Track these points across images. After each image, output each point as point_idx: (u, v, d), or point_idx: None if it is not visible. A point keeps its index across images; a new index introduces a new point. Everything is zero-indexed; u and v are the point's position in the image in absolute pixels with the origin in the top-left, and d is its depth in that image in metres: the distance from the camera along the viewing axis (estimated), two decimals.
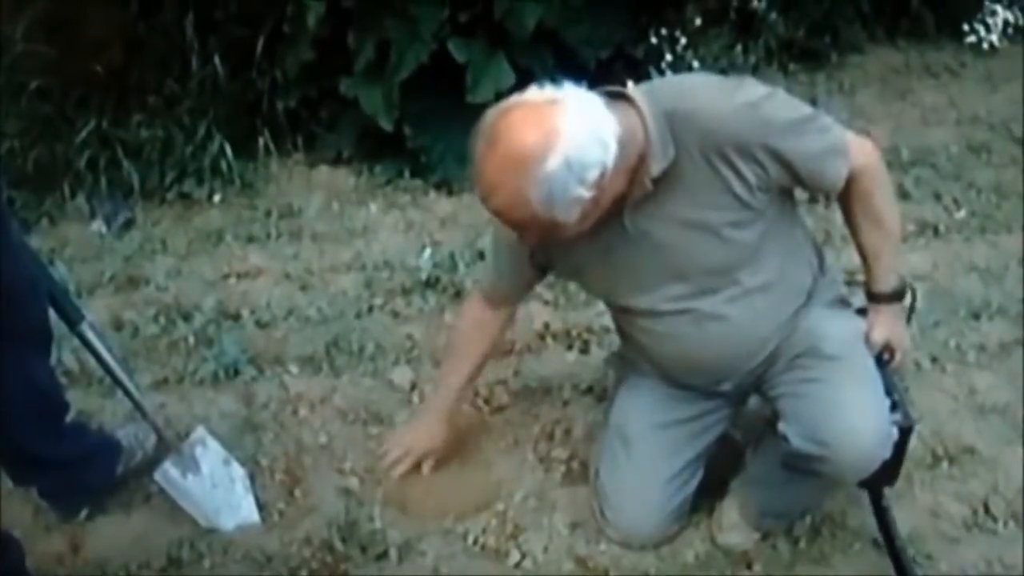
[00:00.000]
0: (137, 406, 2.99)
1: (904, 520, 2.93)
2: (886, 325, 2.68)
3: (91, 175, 4.49)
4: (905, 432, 2.63)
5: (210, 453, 3.05)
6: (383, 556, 2.90)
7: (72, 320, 2.80)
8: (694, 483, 2.89)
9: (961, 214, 4.33)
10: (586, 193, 2.24)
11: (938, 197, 4.43)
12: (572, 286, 3.74)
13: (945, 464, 3.15)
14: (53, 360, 3.02)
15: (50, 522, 2.97)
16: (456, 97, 4.35)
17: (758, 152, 2.36)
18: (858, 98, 5.31)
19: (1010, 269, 4.00)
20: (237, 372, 3.51)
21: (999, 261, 4.05)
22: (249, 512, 3.00)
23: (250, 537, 2.94)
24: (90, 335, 2.85)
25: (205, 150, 4.58)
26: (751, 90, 2.42)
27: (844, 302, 2.78)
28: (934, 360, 3.54)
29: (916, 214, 4.27)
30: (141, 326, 3.71)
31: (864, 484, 2.79)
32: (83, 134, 4.51)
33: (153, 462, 3.08)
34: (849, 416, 2.50)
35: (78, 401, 3.23)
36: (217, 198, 4.53)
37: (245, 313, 3.82)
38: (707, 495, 2.96)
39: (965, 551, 2.90)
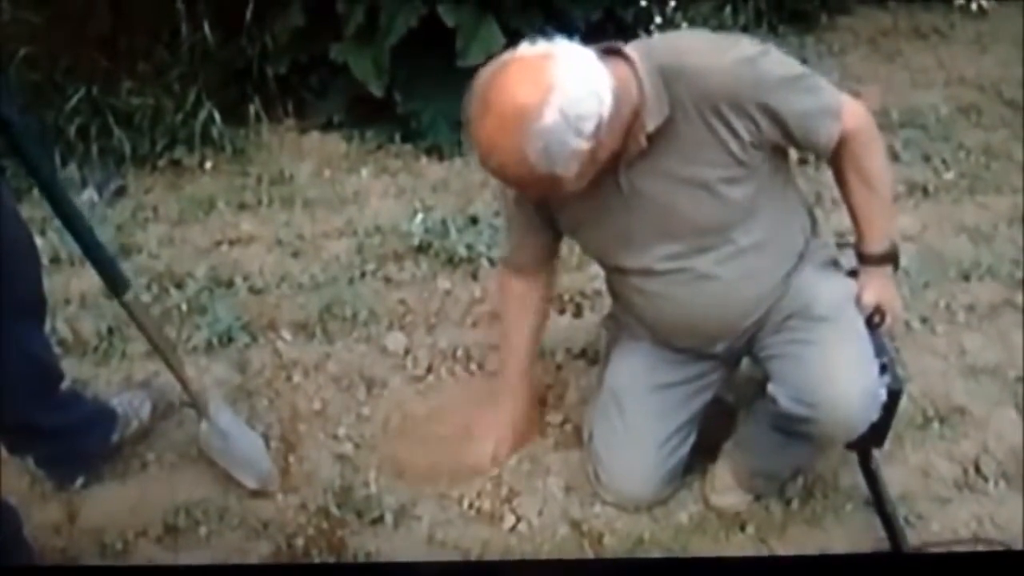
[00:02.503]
0: (178, 377, 2.96)
1: (895, 480, 2.96)
2: (877, 287, 2.69)
3: (82, 143, 4.46)
4: (894, 395, 2.64)
5: (233, 420, 3.06)
6: (379, 521, 2.92)
7: (118, 289, 2.78)
8: (687, 446, 2.91)
9: (950, 175, 4.33)
10: (584, 145, 2.24)
11: (927, 158, 4.43)
12: (564, 250, 3.74)
13: (936, 424, 3.17)
14: (47, 329, 3.03)
15: (46, 491, 2.98)
16: (446, 61, 4.33)
17: (752, 108, 2.37)
18: (847, 60, 5.30)
19: (999, 230, 4.01)
20: (231, 339, 3.51)
21: (988, 222, 4.06)
22: (271, 475, 3.02)
23: (246, 504, 2.96)
24: (135, 305, 2.84)
25: (195, 117, 4.56)
26: (746, 47, 2.43)
27: (835, 264, 2.78)
28: (924, 321, 3.56)
29: (906, 175, 4.27)
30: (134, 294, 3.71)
31: (852, 446, 2.80)
32: (73, 101, 4.49)
33: (148, 431, 3.11)
34: (837, 378, 2.51)
35: (72, 370, 3.24)
36: (208, 165, 4.52)
37: (238, 280, 3.81)
38: (700, 457, 2.98)
39: (956, 511, 2.93)
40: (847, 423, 2.57)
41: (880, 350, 2.62)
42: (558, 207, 2.65)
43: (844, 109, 2.50)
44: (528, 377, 3.10)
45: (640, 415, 2.87)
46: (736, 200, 2.51)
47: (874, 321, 2.68)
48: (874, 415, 2.56)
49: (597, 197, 2.51)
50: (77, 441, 2.96)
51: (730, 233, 2.55)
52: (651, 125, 2.38)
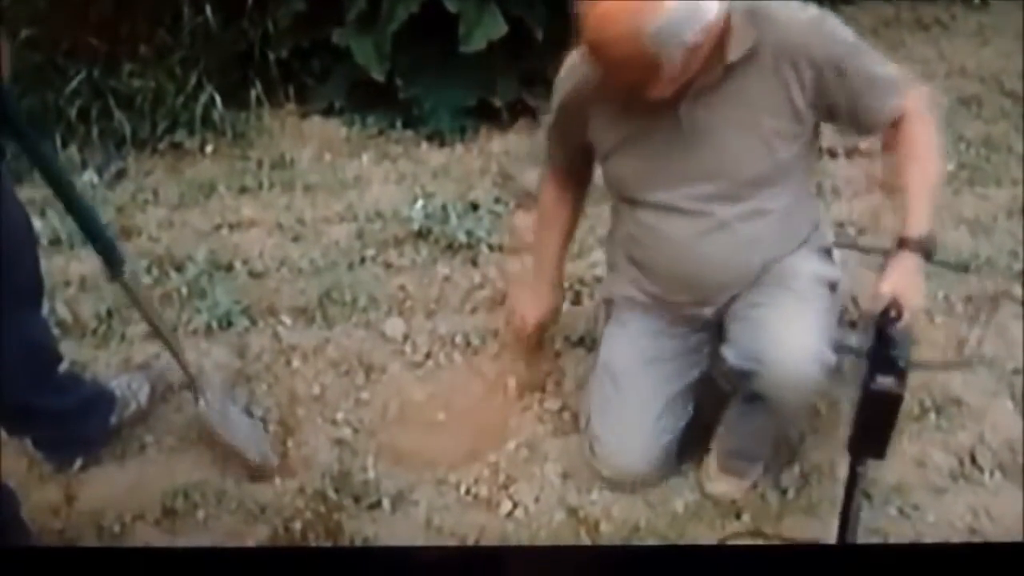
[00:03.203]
0: (173, 353, 2.98)
1: (891, 470, 2.97)
2: (899, 277, 2.52)
3: (83, 125, 4.47)
4: (894, 400, 2.48)
5: (228, 403, 3.10)
6: (376, 506, 2.93)
7: (113, 266, 2.79)
8: (682, 422, 2.94)
9: (951, 166, 4.32)
10: (693, 39, 2.28)
11: None
12: None
13: (932, 415, 3.17)
14: (46, 311, 3.03)
15: (45, 473, 2.99)
16: (449, 48, 4.34)
17: (825, 67, 2.44)
18: None
19: (999, 222, 4.01)
20: (230, 323, 3.52)
21: (988, 213, 4.06)
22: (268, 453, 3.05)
23: (244, 488, 2.96)
24: (131, 283, 2.85)
25: (196, 100, 4.57)
26: (815, 8, 2.50)
27: (828, 252, 2.81)
28: (924, 312, 3.56)
29: None
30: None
31: (852, 449, 2.73)
32: (74, 84, 4.49)
33: (146, 413, 3.12)
34: (782, 332, 2.54)
35: (71, 352, 3.25)
36: (209, 149, 4.53)
37: (238, 264, 3.82)
38: (696, 445, 2.99)
39: (952, 501, 2.94)
40: (789, 378, 2.55)
41: (891, 351, 2.48)
42: (604, 127, 2.67)
43: (904, 87, 2.56)
44: (559, 268, 3.13)
45: (634, 389, 2.89)
46: (781, 158, 2.55)
47: (889, 315, 2.49)
48: (817, 373, 2.55)
49: (651, 123, 2.56)
50: (76, 423, 2.97)
51: (761, 190, 2.59)
52: (734, 55, 2.43)
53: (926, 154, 2.59)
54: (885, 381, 2.44)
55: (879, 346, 2.50)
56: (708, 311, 2.79)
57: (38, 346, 2.82)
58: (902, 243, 2.55)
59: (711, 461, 2.96)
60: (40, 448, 2.98)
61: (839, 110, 2.54)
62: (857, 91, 2.48)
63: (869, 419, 2.49)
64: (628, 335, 2.93)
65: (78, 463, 2.99)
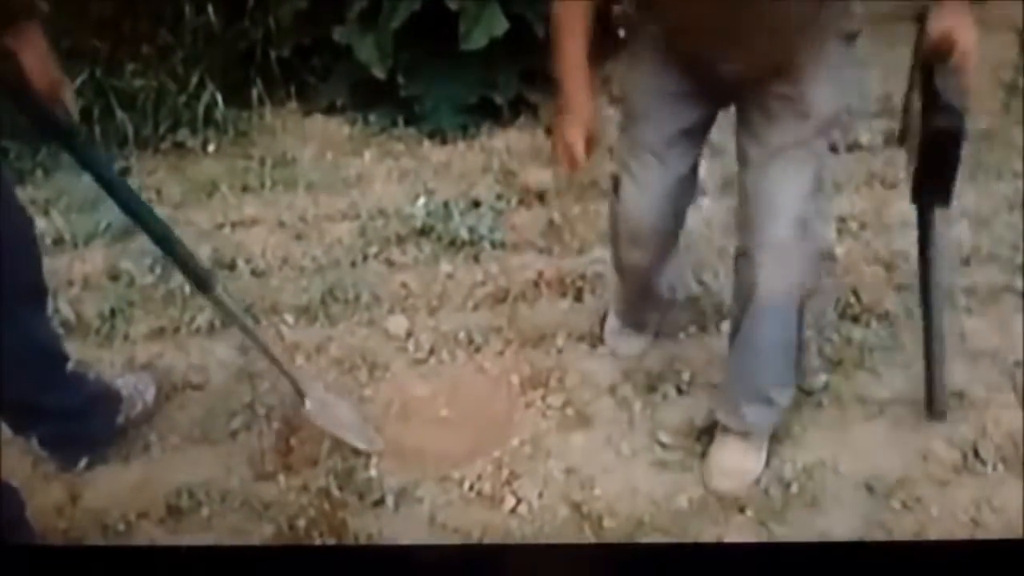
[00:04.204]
0: (273, 361, 3.02)
1: (894, 464, 2.97)
2: (947, 16, 2.51)
3: (85, 125, 4.47)
4: (954, 137, 2.53)
5: (325, 390, 3.14)
6: (380, 503, 2.93)
7: (205, 285, 2.81)
8: (692, 164, 2.92)
9: None
10: None
11: None
12: (565, 234, 3.78)
13: None
14: (50, 311, 3.04)
15: (50, 472, 3.00)
16: (449, 45, 4.35)
17: None
18: None
19: (999, 215, 4.01)
20: None
21: (988, 207, 4.05)
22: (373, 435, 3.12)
23: (248, 486, 2.97)
24: (225, 299, 2.87)
25: (198, 99, 4.58)
26: None
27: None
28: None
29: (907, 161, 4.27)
30: (137, 276, 3.72)
31: (917, 196, 2.74)
32: (76, 83, 4.49)
33: (152, 413, 3.13)
34: (774, 211, 2.65)
35: (75, 351, 3.24)
36: (211, 148, 4.53)
37: (240, 263, 3.83)
38: (700, 440, 3.02)
39: (955, 494, 2.93)
40: (773, 249, 2.66)
41: (948, 91, 2.51)
42: None
43: None
44: (588, 81, 2.83)
45: (651, 118, 2.86)
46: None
47: (941, 53, 2.50)
48: (807, 250, 2.68)
49: None
50: (81, 423, 2.97)
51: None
52: None
53: None
54: (943, 120, 2.50)
55: (934, 89, 2.53)
56: (722, 67, 2.69)
57: (43, 345, 2.84)
58: None
59: (714, 456, 2.98)
60: (46, 447, 2.98)
61: None
62: None
63: (931, 162, 2.58)
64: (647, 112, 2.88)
65: (83, 462, 3.00)
